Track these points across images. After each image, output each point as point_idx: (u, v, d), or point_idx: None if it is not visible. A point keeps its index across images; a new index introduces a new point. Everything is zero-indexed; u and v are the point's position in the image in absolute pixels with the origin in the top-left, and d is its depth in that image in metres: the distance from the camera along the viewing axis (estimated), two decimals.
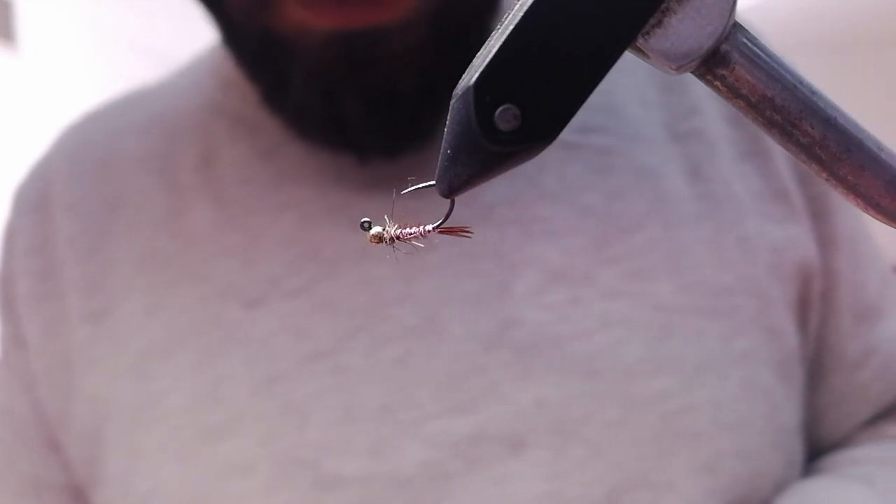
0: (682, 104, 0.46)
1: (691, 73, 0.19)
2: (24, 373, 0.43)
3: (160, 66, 0.52)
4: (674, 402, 0.39)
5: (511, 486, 0.37)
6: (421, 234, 0.22)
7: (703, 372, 0.40)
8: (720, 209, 0.44)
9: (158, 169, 0.44)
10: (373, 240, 0.22)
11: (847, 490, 0.41)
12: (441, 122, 0.19)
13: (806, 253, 0.45)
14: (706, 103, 0.47)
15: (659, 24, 0.18)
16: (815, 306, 0.46)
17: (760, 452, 0.40)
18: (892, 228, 0.20)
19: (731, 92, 0.19)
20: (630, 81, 0.47)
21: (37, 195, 0.46)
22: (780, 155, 0.46)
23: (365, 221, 0.22)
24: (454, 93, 0.19)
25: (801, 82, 0.19)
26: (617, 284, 0.41)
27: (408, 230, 0.22)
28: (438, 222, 0.21)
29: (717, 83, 0.19)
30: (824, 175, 0.19)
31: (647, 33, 0.18)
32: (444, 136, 0.19)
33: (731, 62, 0.19)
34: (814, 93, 0.19)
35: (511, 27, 0.18)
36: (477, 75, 0.18)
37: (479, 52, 0.19)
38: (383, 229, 0.22)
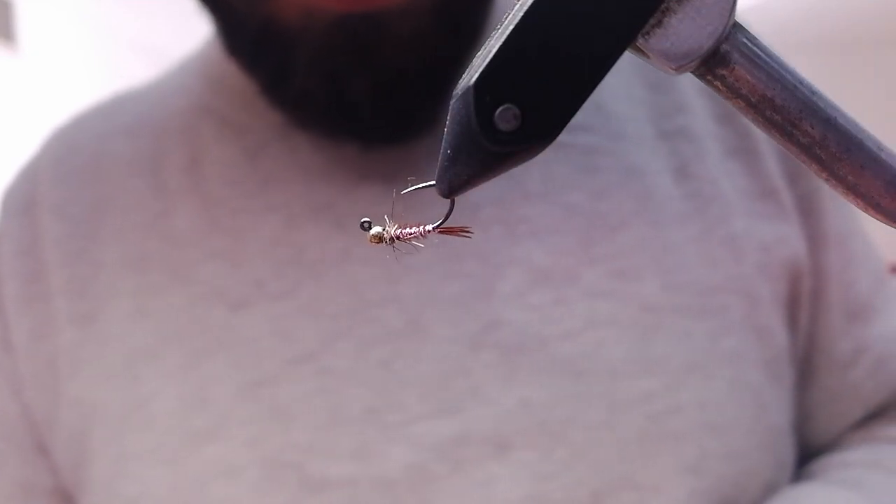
0: (668, 102, 0.46)
1: (691, 73, 0.19)
2: (12, 376, 0.43)
3: (160, 66, 0.52)
4: (659, 403, 0.39)
5: (496, 488, 0.37)
6: (421, 234, 0.22)
7: (689, 372, 0.40)
8: (708, 208, 0.44)
9: (146, 171, 0.44)
10: (373, 240, 0.22)
11: (834, 496, 0.41)
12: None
13: (795, 251, 0.45)
14: (693, 101, 0.46)
15: (659, 24, 0.18)
16: (805, 305, 0.46)
17: (748, 453, 0.40)
18: (890, 228, 0.20)
19: (731, 92, 0.19)
20: (616, 79, 0.46)
21: (24, 198, 0.46)
22: (768, 153, 0.46)
23: (365, 221, 0.22)
24: (454, 93, 0.19)
25: (801, 82, 0.19)
26: (602, 284, 0.40)
27: (408, 230, 0.22)
28: (438, 222, 0.21)
29: (717, 83, 0.19)
30: (824, 175, 0.19)
31: (647, 33, 0.18)
32: (444, 136, 0.19)
33: (731, 62, 0.19)
34: (814, 93, 0.19)
35: (511, 27, 0.18)
36: (477, 75, 0.18)
37: (479, 52, 0.19)
38: (383, 229, 0.22)
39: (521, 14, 0.18)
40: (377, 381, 0.38)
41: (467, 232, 0.22)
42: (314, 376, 0.39)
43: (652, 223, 0.42)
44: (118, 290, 0.42)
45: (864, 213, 0.20)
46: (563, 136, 0.43)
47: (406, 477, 0.37)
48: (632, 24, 0.18)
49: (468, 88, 0.18)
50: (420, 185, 0.21)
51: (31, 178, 0.46)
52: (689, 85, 0.47)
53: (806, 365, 0.47)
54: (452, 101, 0.19)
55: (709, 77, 0.19)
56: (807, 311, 0.46)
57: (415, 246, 0.22)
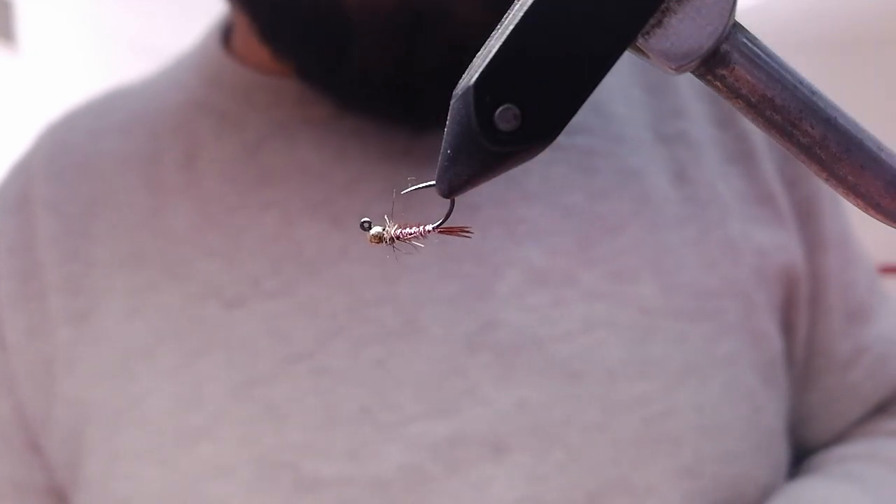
0: (667, 106, 0.46)
1: (691, 73, 0.19)
2: (5, 374, 0.43)
3: (160, 67, 0.52)
4: (655, 406, 0.39)
5: (491, 490, 0.37)
6: (421, 234, 0.22)
7: (685, 375, 0.40)
8: (705, 212, 0.44)
9: (140, 168, 0.44)
10: (373, 240, 0.22)
11: (834, 490, 0.41)
12: None
13: (791, 257, 0.45)
14: (692, 105, 0.46)
15: (659, 24, 0.18)
16: (803, 310, 0.46)
17: (743, 456, 0.40)
18: (881, 228, 0.20)
19: (731, 92, 0.19)
20: (615, 81, 0.46)
21: (17, 195, 0.45)
22: (767, 158, 0.46)
23: (365, 221, 0.22)
24: (454, 93, 0.19)
25: (801, 82, 0.19)
26: (600, 286, 0.40)
27: (408, 230, 0.22)
28: (438, 222, 0.21)
29: (717, 83, 0.19)
30: (824, 175, 0.19)
31: (647, 33, 0.18)
32: (444, 136, 0.19)
33: (731, 62, 0.19)
34: (814, 93, 0.19)
35: (511, 27, 0.18)
36: (477, 75, 0.18)
37: (479, 52, 0.19)
38: (383, 229, 0.22)
39: (521, 14, 0.18)
40: (372, 380, 0.38)
41: (467, 232, 0.22)
42: (309, 375, 0.39)
43: (650, 225, 0.42)
44: (113, 287, 0.42)
45: (864, 213, 0.20)
46: (562, 138, 0.43)
47: (401, 477, 0.37)
48: (632, 24, 0.18)
49: (468, 88, 0.18)
50: (420, 185, 0.21)
51: (23, 175, 0.46)
52: (688, 88, 0.47)
53: (807, 367, 0.47)
54: (452, 101, 0.19)
55: (709, 77, 0.19)
56: (805, 316, 0.46)
57: (415, 246, 0.22)
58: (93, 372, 0.41)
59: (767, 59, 0.19)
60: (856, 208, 0.20)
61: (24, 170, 0.46)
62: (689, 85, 0.47)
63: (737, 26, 0.19)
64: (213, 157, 0.43)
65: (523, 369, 0.38)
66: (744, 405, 0.41)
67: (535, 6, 0.18)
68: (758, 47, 0.19)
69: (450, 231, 0.22)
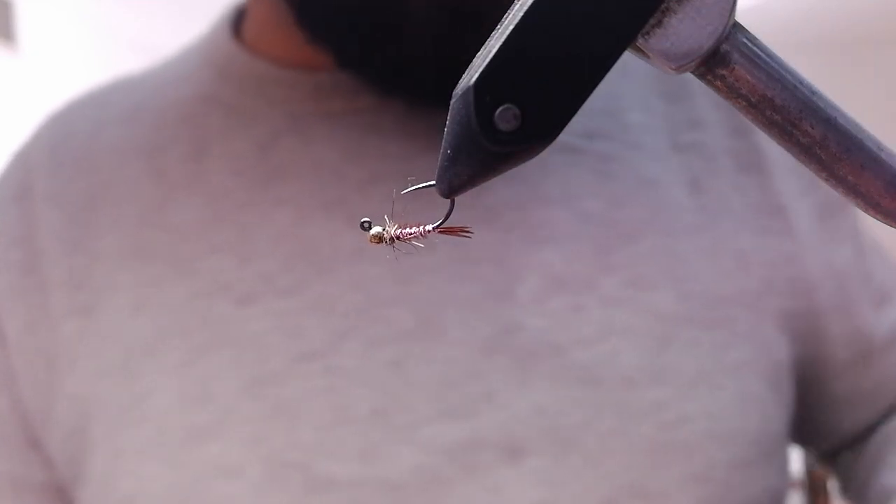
0: (684, 115, 0.46)
1: (691, 73, 0.19)
2: (4, 369, 0.42)
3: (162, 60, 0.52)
4: (670, 412, 0.39)
5: (505, 494, 0.37)
6: (421, 234, 0.22)
7: (698, 382, 0.40)
8: (718, 221, 0.44)
9: (144, 158, 0.43)
10: (373, 240, 0.22)
11: None
12: None
13: (800, 269, 0.45)
14: (708, 114, 0.47)
15: (659, 24, 0.18)
16: (832, 312, 0.46)
17: (753, 461, 0.40)
18: (881, 228, 0.20)
19: (731, 92, 0.19)
20: (633, 87, 0.46)
21: (17, 186, 0.44)
22: (780, 165, 0.46)
23: (365, 221, 0.22)
24: (454, 93, 0.19)
25: (801, 82, 0.19)
26: (618, 292, 0.40)
27: (408, 230, 0.22)
28: (438, 222, 0.21)
29: (718, 83, 0.19)
30: (824, 175, 0.19)
31: (647, 33, 0.18)
32: (444, 136, 0.19)
33: (731, 62, 0.19)
34: (814, 93, 0.19)
35: (511, 27, 0.18)
36: (477, 75, 0.18)
37: (479, 52, 0.19)
38: (383, 229, 0.22)
39: (521, 14, 0.18)
40: (385, 381, 0.38)
41: (467, 232, 0.22)
42: (321, 375, 0.38)
43: (665, 233, 0.42)
44: (117, 282, 0.41)
45: (865, 213, 0.20)
46: (581, 142, 0.44)
47: (414, 479, 0.37)
48: (632, 24, 0.18)
49: (468, 88, 0.18)
50: (420, 185, 0.21)
51: (24, 166, 0.45)
52: (704, 97, 0.47)
53: (859, 361, 0.48)
54: (452, 101, 0.19)
55: (709, 77, 0.19)
56: (837, 316, 0.46)
57: (415, 246, 0.22)
58: (96, 368, 0.40)
59: (767, 59, 0.19)
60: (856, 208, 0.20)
61: (25, 160, 0.46)
62: (704, 93, 0.47)
63: (737, 26, 0.19)
64: (222, 153, 0.43)
65: (541, 374, 0.38)
66: (753, 412, 0.41)
67: (535, 6, 0.18)
68: (758, 47, 0.19)
69: (450, 231, 0.22)
